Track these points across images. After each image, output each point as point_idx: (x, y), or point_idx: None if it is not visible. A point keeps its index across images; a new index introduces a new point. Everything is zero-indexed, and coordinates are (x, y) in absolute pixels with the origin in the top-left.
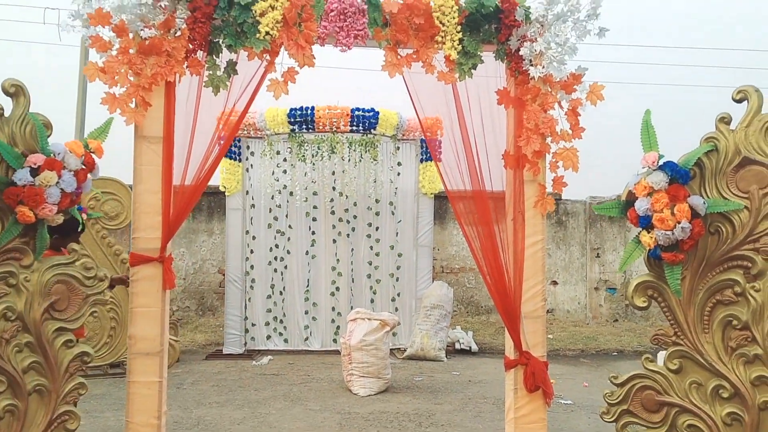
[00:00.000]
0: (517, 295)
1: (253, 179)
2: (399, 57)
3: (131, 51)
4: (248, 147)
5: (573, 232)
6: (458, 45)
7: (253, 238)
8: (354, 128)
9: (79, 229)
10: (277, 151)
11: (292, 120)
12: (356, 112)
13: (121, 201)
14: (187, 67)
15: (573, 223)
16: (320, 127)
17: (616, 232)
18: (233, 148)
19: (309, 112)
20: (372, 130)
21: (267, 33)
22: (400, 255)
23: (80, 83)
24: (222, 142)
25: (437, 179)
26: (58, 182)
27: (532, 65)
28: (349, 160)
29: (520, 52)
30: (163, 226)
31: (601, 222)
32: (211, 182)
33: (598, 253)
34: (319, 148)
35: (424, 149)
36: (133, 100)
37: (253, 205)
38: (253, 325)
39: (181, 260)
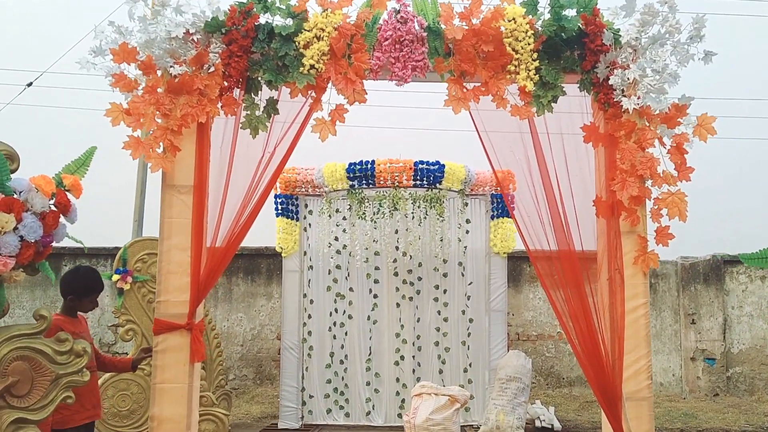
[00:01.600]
0: (617, 371)
1: (311, 239)
2: (465, 90)
3: (159, 90)
4: (306, 205)
5: (664, 296)
6: (535, 75)
7: (311, 302)
8: (418, 183)
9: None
10: (336, 209)
11: (351, 175)
12: (420, 166)
13: None
14: (221, 106)
15: (663, 286)
16: (381, 182)
17: (713, 296)
18: (290, 207)
19: (369, 166)
20: (437, 185)
21: (312, 66)
22: (471, 320)
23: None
24: (260, 191)
25: (510, 237)
26: (16, 228)
27: (624, 96)
28: (413, 217)
29: (610, 81)
30: (191, 288)
31: (695, 285)
32: (269, 243)
33: (693, 320)
34: (380, 205)
35: (495, 205)
36: (161, 144)
37: (311, 267)
38: (310, 396)
39: (238, 326)
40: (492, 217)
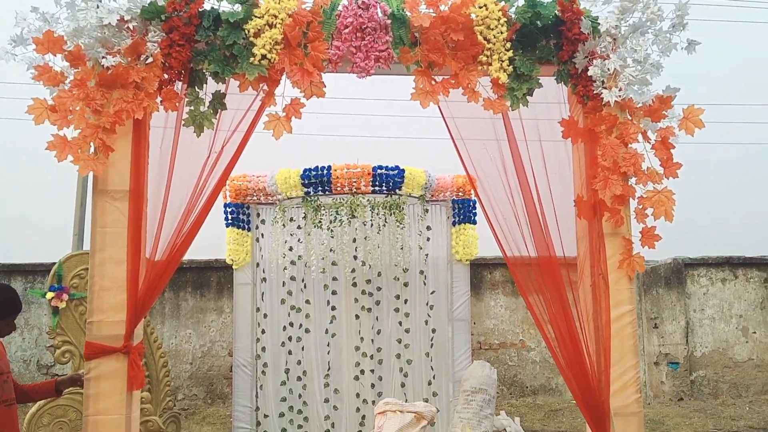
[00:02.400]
0: (604, 384)
1: (264, 250)
2: (433, 83)
3: (90, 84)
4: (258, 214)
5: None
6: (508, 66)
7: (265, 316)
8: (377, 189)
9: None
10: (290, 217)
11: (307, 182)
12: (378, 171)
13: None
14: (161, 101)
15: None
16: (338, 189)
17: (675, 300)
18: (241, 216)
19: (325, 172)
20: (397, 191)
21: (263, 57)
22: (434, 331)
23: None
24: (206, 196)
25: (473, 244)
26: None
27: (604, 88)
28: (371, 225)
29: (589, 73)
30: (128, 306)
31: (657, 288)
32: (219, 255)
33: (655, 324)
34: (337, 213)
35: (456, 210)
36: (91, 144)
37: (264, 279)
38: (265, 416)
39: (187, 343)
40: (453, 224)
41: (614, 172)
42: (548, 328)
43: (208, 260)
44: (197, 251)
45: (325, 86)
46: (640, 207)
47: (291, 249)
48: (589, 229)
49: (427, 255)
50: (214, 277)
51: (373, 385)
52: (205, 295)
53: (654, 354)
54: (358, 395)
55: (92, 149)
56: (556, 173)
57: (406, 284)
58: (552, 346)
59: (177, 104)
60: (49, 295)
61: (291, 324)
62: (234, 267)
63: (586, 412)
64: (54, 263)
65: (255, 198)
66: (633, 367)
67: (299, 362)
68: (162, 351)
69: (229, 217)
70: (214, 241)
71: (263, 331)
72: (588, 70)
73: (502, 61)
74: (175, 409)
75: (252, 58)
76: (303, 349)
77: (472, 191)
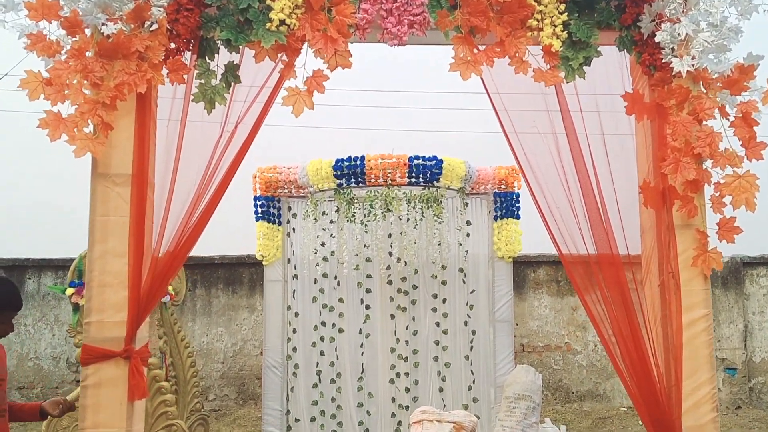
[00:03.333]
0: (675, 401)
1: (295, 245)
2: (475, 51)
3: (88, 54)
4: (289, 208)
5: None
6: (562, 31)
7: (296, 314)
8: (413, 180)
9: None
10: (322, 211)
11: (339, 173)
12: (415, 161)
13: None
14: (167, 73)
15: None
16: (372, 180)
17: (732, 302)
18: (271, 210)
19: (358, 162)
20: (434, 183)
21: (282, 22)
22: (473, 332)
23: None
24: (218, 180)
25: (516, 240)
26: None
27: (675, 56)
28: (407, 219)
29: (656, 39)
30: (130, 304)
31: (713, 289)
32: (251, 251)
33: (712, 327)
34: (371, 206)
35: (498, 204)
36: (89, 122)
37: (295, 276)
38: (296, 420)
39: (219, 341)
40: (495, 218)
41: (686, 153)
42: (609, 334)
43: (239, 256)
44: (229, 246)
45: (351, 56)
46: (717, 194)
47: (323, 244)
48: (656, 221)
49: (466, 252)
50: (246, 274)
51: (408, 389)
52: (237, 292)
53: None
54: (393, 400)
55: (90, 128)
56: (618, 156)
57: (444, 282)
58: (615, 357)
59: (185, 77)
60: (69, 291)
61: (323, 323)
62: (264, 263)
63: (654, 430)
64: (70, 258)
65: (286, 191)
66: (709, 381)
67: (332, 364)
68: (190, 350)
69: (259, 210)
70: (247, 238)
71: (294, 331)
72: (655, 35)
73: (555, 26)
74: (203, 411)
75: (269, 24)
76: (336, 349)
77: (516, 184)
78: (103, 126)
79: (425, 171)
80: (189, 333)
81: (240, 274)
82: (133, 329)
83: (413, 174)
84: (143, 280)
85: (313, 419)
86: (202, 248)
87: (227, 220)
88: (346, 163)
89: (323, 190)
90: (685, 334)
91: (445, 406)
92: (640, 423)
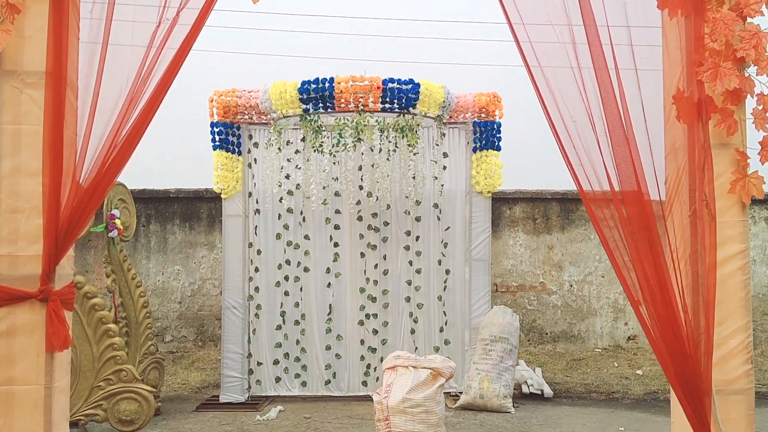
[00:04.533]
0: (705, 350)
1: (257, 177)
2: None
3: None
4: (250, 137)
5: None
6: None
7: (258, 252)
8: (387, 106)
9: None
10: (287, 140)
11: (305, 96)
12: (390, 85)
13: (128, 209)
14: None
15: None
16: (342, 106)
17: None
18: (230, 138)
19: (327, 85)
20: (410, 109)
21: None
22: (448, 272)
23: None
24: (155, 81)
25: (496, 173)
26: None
27: None
28: (380, 150)
29: None
30: (46, 234)
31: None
32: (210, 184)
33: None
34: (340, 135)
35: (478, 135)
36: None
37: (257, 211)
38: (258, 364)
39: (176, 280)
40: (474, 150)
41: (727, 57)
42: (631, 277)
43: (197, 189)
44: (185, 179)
45: None
46: (761, 108)
47: (288, 177)
48: (688, 138)
49: (442, 186)
50: (205, 209)
51: (377, 331)
52: (195, 229)
53: None
54: (362, 342)
55: None
56: (647, 60)
57: (417, 219)
58: (637, 303)
59: None
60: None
61: (288, 262)
62: (223, 196)
63: (679, 385)
64: None
65: (246, 117)
66: (743, 328)
67: (297, 304)
68: (142, 290)
69: (217, 138)
70: (205, 169)
71: (256, 270)
72: None
73: None
74: (158, 354)
75: None
76: (301, 290)
77: (497, 112)
78: (8, 8)
79: (400, 96)
80: (143, 271)
81: (198, 209)
82: (50, 265)
83: (387, 99)
84: (62, 206)
85: (276, 362)
86: (156, 180)
87: (184, 150)
88: (313, 86)
89: (288, 116)
90: (718, 273)
91: (417, 348)
92: (616, 365)
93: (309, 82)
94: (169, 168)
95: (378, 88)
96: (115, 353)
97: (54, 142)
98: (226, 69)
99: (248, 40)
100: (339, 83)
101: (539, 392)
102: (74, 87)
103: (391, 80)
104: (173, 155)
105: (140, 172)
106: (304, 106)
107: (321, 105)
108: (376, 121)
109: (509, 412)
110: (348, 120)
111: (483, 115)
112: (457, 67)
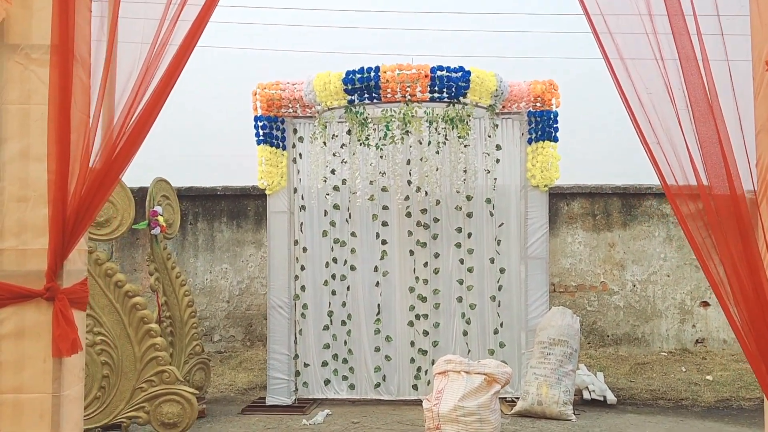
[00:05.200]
0: None
1: (302, 172)
2: None
3: None
4: (295, 131)
5: None
6: None
7: (304, 250)
8: (436, 95)
9: None
10: (332, 134)
11: (350, 87)
12: (438, 72)
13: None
14: None
15: None
16: (388, 96)
17: None
18: (274, 132)
19: (372, 74)
20: (460, 98)
21: None
22: (502, 271)
23: None
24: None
25: (553, 166)
26: None
27: None
28: (429, 142)
29: None
30: (52, 226)
31: None
32: (256, 182)
33: None
34: (387, 128)
35: (534, 125)
36: None
37: (303, 207)
38: (305, 365)
39: (224, 279)
40: (529, 141)
41: None
42: (719, 273)
43: (244, 187)
44: (232, 176)
45: None
46: None
47: (333, 172)
48: None
49: (495, 180)
50: (252, 206)
51: (428, 333)
52: (242, 226)
53: None
54: (412, 344)
55: None
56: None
57: (469, 215)
58: (724, 300)
59: None
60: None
61: (335, 260)
62: (267, 192)
63: None
64: None
65: (291, 110)
66: None
67: (344, 304)
68: (187, 288)
69: (261, 132)
70: (252, 167)
71: (302, 268)
72: None
73: None
74: (203, 354)
75: None
76: (348, 289)
77: (553, 101)
78: None
79: (450, 84)
80: (191, 270)
81: (245, 206)
82: (56, 260)
83: (436, 88)
84: (70, 193)
85: (324, 364)
86: (203, 179)
87: (231, 148)
88: (358, 75)
89: (332, 109)
90: None
91: (469, 351)
92: (683, 369)
93: (354, 72)
94: (216, 166)
95: (426, 76)
96: (158, 354)
97: (60, 123)
98: (271, 66)
99: (294, 37)
100: (385, 72)
101: (601, 398)
102: (86, 63)
103: (440, 68)
104: (220, 154)
105: (187, 170)
106: (349, 97)
107: (366, 95)
108: (425, 112)
109: (570, 420)
110: (395, 111)
111: (538, 104)
112: (509, 60)
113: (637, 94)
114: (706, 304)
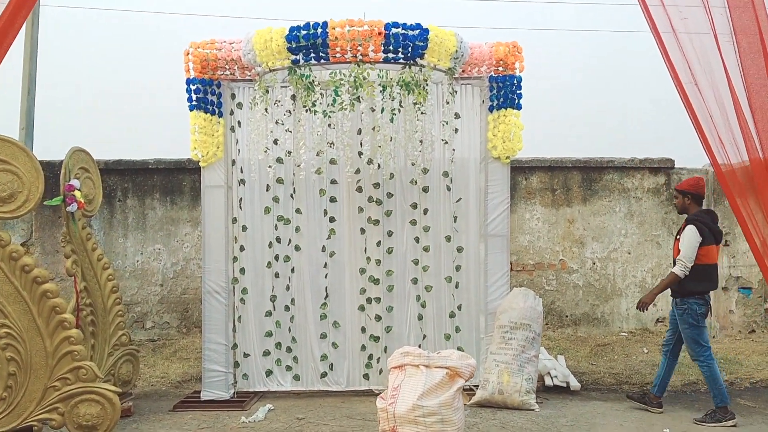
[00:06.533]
0: None
1: (241, 143)
2: None
3: None
4: (233, 96)
5: None
6: None
7: (244, 228)
8: (390, 56)
9: None
10: (275, 100)
11: (294, 45)
12: (393, 30)
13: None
14: None
15: None
16: (337, 56)
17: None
18: (209, 97)
19: (320, 31)
20: (418, 60)
21: None
22: (459, 250)
23: (27, 59)
24: None
25: (516, 136)
26: None
27: None
28: (382, 110)
29: None
30: None
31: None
32: (187, 153)
33: (726, 241)
34: (336, 93)
35: (495, 92)
36: None
37: (242, 181)
38: (245, 356)
39: (156, 260)
40: (491, 109)
41: None
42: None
43: (179, 160)
44: (167, 149)
45: None
46: None
47: (276, 142)
48: None
49: (453, 151)
50: (188, 181)
51: (380, 318)
52: (177, 203)
53: (723, 278)
54: (363, 330)
55: None
56: None
57: (425, 190)
58: None
59: None
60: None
61: (278, 239)
62: (201, 164)
63: None
64: None
65: (228, 72)
66: None
67: (288, 288)
68: (110, 272)
69: (193, 97)
70: (188, 137)
71: (242, 249)
72: None
73: None
74: (131, 345)
75: None
76: (293, 271)
77: (517, 65)
78: None
79: (406, 43)
80: (120, 251)
81: (180, 181)
82: None
83: (391, 47)
84: None
85: (266, 353)
86: (133, 151)
87: (165, 117)
88: (303, 32)
89: (274, 70)
90: None
91: (425, 336)
92: (645, 351)
93: (299, 28)
94: (148, 137)
95: (380, 33)
96: (72, 348)
97: None
98: (212, 28)
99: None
100: (334, 28)
101: (564, 384)
102: None
103: (395, 24)
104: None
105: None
106: (293, 57)
107: (313, 55)
108: (378, 75)
109: (533, 410)
110: (345, 75)
111: (501, 68)
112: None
113: (702, 99)
114: None
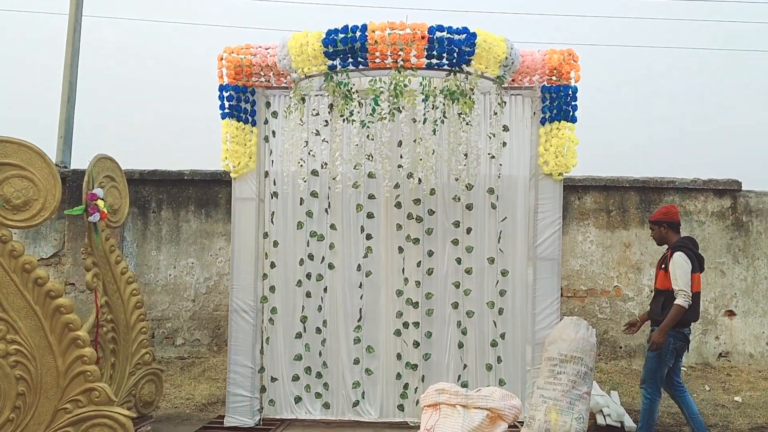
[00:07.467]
0: None
1: (275, 153)
2: None
3: None
4: (268, 104)
5: (759, 239)
6: None
7: (275, 244)
8: (433, 62)
9: None
10: (312, 109)
11: (331, 49)
12: (438, 33)
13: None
14: None
15: (759, 226)
16: (377, 60)
17: None
18: (242, 104)
19: (359, 34)
20: (464, 66)
21: None
22: (504, 273)
23: (67, 67)
24: None
25: (570, 151)
26: None
27: None
28: (424, 120)
29: None
30: None
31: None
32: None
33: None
34: (376, 102)
35: (548, 103)
36: None
37: (275, 194)
38: (273, 380)
39: (189, 275)
40: (543, 122)
41: None
42: None
43: (215, 171)
44: (202, 160)
45: None
46: None
47: (311, 154)
48: None
49: (501, 166)
50: (223, 194)
51: (418, 344)
52: (212, 216)
53: None
54: (399, 356)
55: None
56: None
57: (469, 207)
58: None
59: None
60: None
61: (310, 257)
62: (232, 175)
63: None
64: None
65: (263, 79)
66: None
67: (320, 309)
68: (135, 287)
69: (226, 104)
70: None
71: (272, 265)
72: None
73: None
74: (155, 364)
75: None
76: (326, 291)
77: (572, 74)
78: None
79: (451, 48)
80: (152, 264)
81: (215, 193)
82: None
83: (434, 52)
84: None
85: (295, 378)
86: (168, 161)
87: (201, 129)
88: (341, 36)
89: (310, 76)
90: None
91: (465, 366)
92: (707, 388)
93: (336, 31)
94: (184, 148)
95: (423, 37)
96: (86, 368)
97: None
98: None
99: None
100: (373, 31)
101: (618, 425)
102: None
103: (440, 28)
104: (189, 135)
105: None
106: (329, 62)
107: (351, 59)
108: (420, 83)
109: None
110: (385, 82)
111: (554, 77)
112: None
113: None
114: (731, 313)
